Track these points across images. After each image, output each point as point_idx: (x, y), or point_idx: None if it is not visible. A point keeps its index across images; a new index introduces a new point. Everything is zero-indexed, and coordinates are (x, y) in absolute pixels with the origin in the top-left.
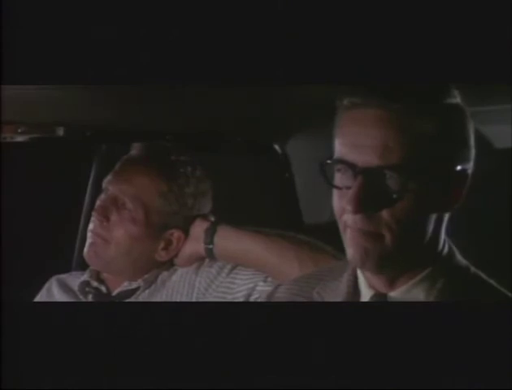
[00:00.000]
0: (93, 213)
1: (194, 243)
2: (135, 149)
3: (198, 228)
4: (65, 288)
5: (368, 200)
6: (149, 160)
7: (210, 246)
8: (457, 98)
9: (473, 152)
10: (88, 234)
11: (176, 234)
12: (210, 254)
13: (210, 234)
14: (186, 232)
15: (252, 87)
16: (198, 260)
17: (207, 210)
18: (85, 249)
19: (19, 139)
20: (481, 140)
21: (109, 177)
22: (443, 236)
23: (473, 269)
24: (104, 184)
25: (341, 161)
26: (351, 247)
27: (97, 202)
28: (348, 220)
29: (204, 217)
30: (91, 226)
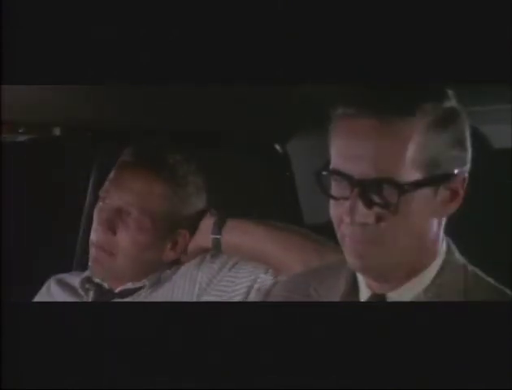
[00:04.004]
0: (97, 225)
1: (203, 236)
2: (127, 155)
3: (208, 221)
4: (64, 285)
5: (366, 212)
6: (145, 164)
7: (218, 237)
8: (452, 101)
9: (469, 154)
10: (92, 247)
11: (182, 233)
12: (217, 245)
13: (218, 226)
14: (191, 230)
15: (252, 87)
16: (203, 252)
17: (204, 203)
18: (90, 264)
19: (19, 139)
20: (481, 140)
21: (106, 186)
22: (441, 235)
23: (471, 267)
24: (102, 194)
25: (338, 172)
26: (351, 256)
27: (98, 212)
28: (346, 231)
29: (212, 212)
30: (94, 238)
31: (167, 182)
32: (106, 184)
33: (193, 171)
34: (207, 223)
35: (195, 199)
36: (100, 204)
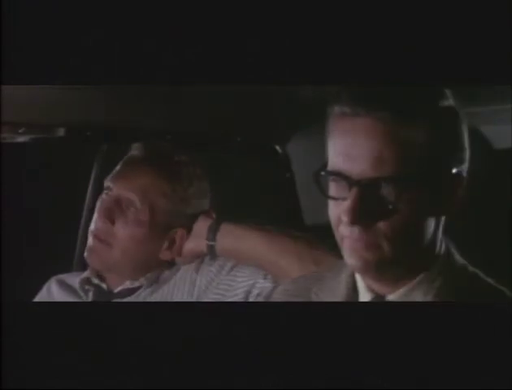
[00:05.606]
0: (97, 214)
1: (196, 240)
2: (136, 150)
3: (202, 225)
4: (64, 286)
5: (364, 211)
6: (152, 160)
7: (212, 243)
8: (449, 100)
9: (468, 153)
10: (90, 236)
11: (180, 232)
12: (212, 251)
13: (212, 231)
14: (188, 230)
15: (252, 87)
16: (199, 256)
17: (207, 207)
18: (86, 253)
19: (19, 139)
20: (481, 140)
21: (111, 177)
22: (440, 236)
23: (471, 268)
24: (106, 183)
25: (336, 172)
26: (350, 257)
27: (100, 203)
28: (344, 231)
29: (207, 214)
30: (93, 227)
31: (171, 180)
32: (112, 175)
33: (198, 175)
34: (201, 227)
35: (196, 202)
36: (103, 195)
